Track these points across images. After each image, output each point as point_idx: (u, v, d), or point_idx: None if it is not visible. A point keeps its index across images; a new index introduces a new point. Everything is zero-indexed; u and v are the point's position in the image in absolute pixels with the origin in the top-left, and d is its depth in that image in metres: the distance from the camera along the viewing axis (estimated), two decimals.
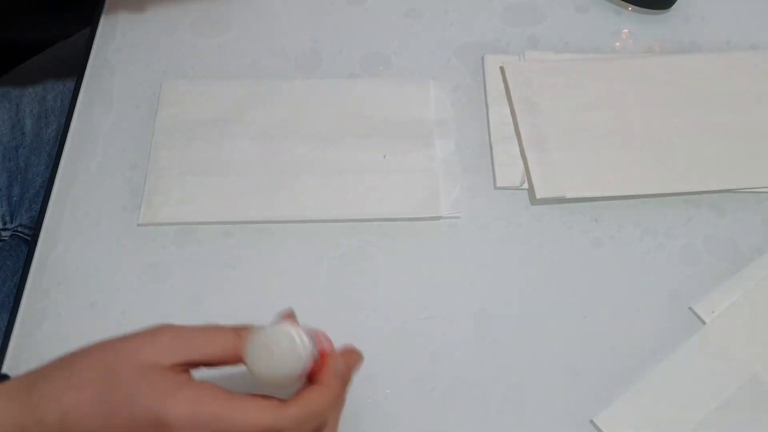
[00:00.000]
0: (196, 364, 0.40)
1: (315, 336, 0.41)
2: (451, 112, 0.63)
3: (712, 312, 0.53)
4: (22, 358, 0.50)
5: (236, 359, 0.40)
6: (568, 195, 0.58)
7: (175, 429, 0.38)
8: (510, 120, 0.62)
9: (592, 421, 0.49)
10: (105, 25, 0.67)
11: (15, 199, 0.71)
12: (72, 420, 0.40)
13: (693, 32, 0.69)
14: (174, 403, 0.39)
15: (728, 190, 0.59)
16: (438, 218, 0.57)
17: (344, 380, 0.42)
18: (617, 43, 0.68)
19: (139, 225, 0.56)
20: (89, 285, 0.53)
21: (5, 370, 0.50)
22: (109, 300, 0.53)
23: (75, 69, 0.65)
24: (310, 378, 0.40)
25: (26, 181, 0.71)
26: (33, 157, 0.71)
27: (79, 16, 0.75)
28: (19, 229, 0.71)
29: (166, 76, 0.64)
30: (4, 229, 0.70)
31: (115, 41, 0.67)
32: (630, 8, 0.70)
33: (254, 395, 0.39)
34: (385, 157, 0.59)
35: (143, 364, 0.40)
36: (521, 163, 0.60)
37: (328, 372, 0.41)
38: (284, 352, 0.39)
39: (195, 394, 0.39)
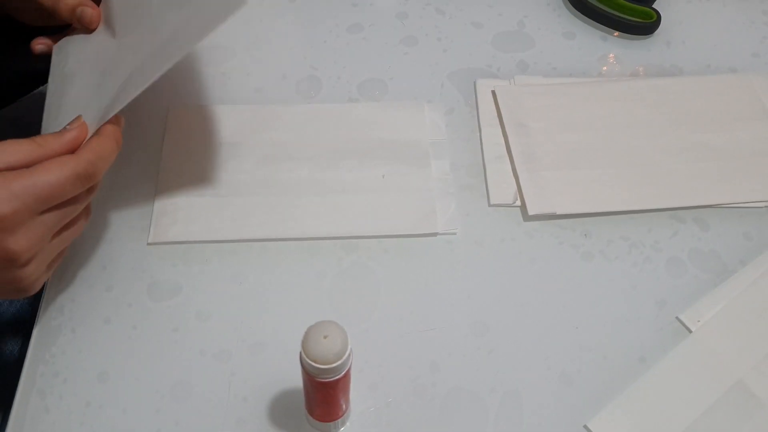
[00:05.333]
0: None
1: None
2: (445, 134, 0.66)
3: (698, 321, 0.56)
4: (38, 372, 0.52)
5: (37, 161, 0.45)
6: (559, 211, 0.60)
7: None
8: (502, 141, 0.65)
9: (585, 426, 0.51)
10: None
11: None
12: None
13: (675, 56, 0.72)
14: None
15: (711, 206, 0.62)
16: (435, 235, 0.60)
17: (118, 140, 0.49)
18: (603, 67, 0.71)
19: (148, 244, 0.58)
20: (102, 302, 0.56)
21: (19, 389, 0.52)
22: (122, 316, 0.55)
23: None
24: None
25: None
26: None
27: None
28: None
29: (173, 102, 0.67)
30: None
31: None
32: (616, 34, 0.74)
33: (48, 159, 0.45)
34: (383, 176, 0.62)
35: None
36: (513, 181, 0.63)
37: (109, 126, 0.49)
38: None
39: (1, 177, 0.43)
